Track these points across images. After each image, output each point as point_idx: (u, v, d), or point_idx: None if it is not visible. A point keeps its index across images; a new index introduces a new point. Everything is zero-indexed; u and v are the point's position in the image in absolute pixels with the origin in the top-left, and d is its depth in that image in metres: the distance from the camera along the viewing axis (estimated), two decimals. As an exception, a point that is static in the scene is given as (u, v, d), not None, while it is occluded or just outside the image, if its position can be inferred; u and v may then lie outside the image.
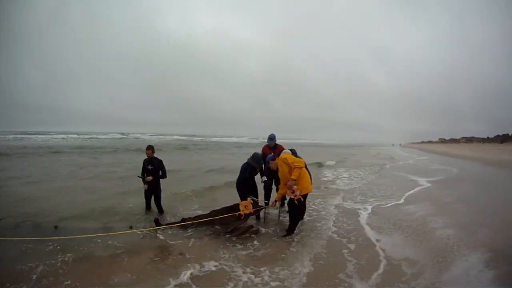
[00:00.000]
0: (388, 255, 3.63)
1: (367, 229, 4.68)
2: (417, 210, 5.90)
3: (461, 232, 4.47)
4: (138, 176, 5.41)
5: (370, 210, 5.84)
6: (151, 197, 5.35)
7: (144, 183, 5.21)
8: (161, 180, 5.35)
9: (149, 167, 5.19)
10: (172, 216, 5.19)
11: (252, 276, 3.13)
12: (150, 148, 5.25)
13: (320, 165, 14.94)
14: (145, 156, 5.33)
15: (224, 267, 3.31)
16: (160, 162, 5.25)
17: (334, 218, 5.24)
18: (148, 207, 5.42)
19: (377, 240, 4.16)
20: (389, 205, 6.35)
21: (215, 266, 3.34)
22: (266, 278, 3.08)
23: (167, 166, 5.43)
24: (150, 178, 5.14)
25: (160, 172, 5.27)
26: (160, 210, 5.36)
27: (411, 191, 7.97)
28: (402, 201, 6.77)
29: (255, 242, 4.08)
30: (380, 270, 3.24)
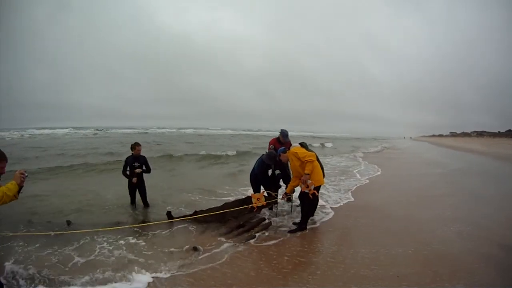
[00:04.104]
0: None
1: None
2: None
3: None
4: (124, 175, 5.40)
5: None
6: (135, 192, 5.48)
7: (133, 177, 5.30)
8: None
9: (136, 164, 5.35)
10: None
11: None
12: (139, 145, 5.45)
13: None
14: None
15: (235, 264, 3.32)
16: (145, 159, 5.49)
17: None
18: (133, 202, 5.51)
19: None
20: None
21: (227, 264, 3.36)
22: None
23: None
24: (139, 170, 5.33)
25: (145, 167, 5.46)
26: (146, 204, 5.51)
27: None
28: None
29: (265, 236, 4.09)
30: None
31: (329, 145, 28.06)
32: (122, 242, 3.84)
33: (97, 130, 44.37)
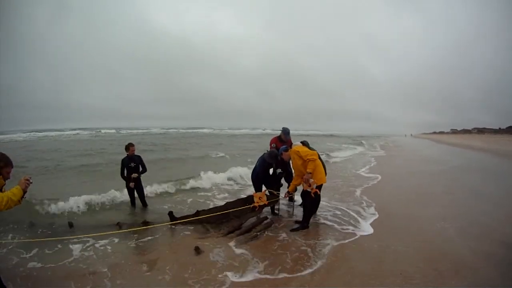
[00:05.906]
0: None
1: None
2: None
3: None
4: (122, 178, 5.44)
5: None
6: (134, 193, 5.50)
7: (130, 182, 5.32)
8: None
9: (132, 164, 5.35)
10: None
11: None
12: (133, 145, 5.46)
13: None
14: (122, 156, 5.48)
15: (236, 264, 3.33)
16: (140, 159, 5.50)
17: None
18: (133, 203, 5.55)
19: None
20: None
21: (232, 264, 3.39)
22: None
23: None
24: (136, 175, 5.33)
25: (141, 168, 5.50)
26: (145, 205, 5.56)
27: None
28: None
29: (268, 235, 4.11)
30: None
31: (360, 149, 21.11)
32: (109, 255, 3.55)
33: (97, 131, 44.16)
